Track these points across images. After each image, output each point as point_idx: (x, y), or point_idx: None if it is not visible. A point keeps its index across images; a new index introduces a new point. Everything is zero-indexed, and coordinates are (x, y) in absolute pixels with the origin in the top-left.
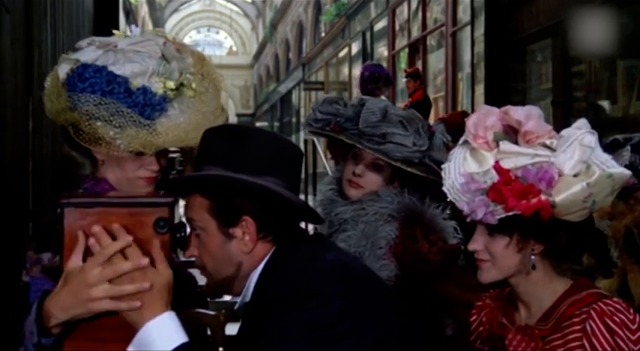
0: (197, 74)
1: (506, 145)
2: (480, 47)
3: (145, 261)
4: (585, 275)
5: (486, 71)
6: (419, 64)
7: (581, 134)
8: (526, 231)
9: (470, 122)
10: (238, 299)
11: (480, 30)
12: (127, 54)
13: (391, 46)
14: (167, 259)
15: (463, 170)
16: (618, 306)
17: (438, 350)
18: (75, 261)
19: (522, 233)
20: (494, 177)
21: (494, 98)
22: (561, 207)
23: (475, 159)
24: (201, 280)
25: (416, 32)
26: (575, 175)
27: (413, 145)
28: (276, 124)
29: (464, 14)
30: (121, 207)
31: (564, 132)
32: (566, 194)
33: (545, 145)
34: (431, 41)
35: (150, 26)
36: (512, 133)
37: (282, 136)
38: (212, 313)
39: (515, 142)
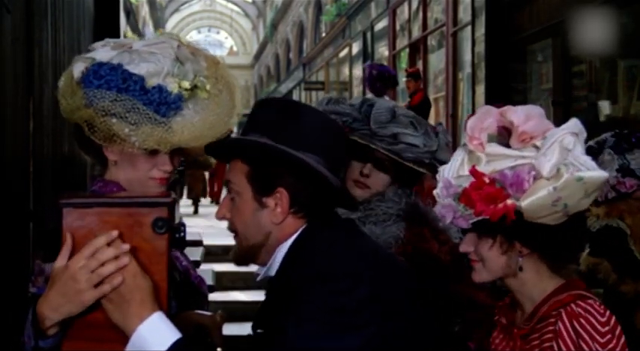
0: (211, 77)
1: (492, 148)
2: (481, 47)
3: (126, 247)
4: (605, 280)
5: (487, 71)
6: (419, 64)
7: (561, 135)
8: (508, 234)
9: (468, 124)
10: (261, 271)
11: (481, 30)
12: (142, 54)
13: (392, 46)
14: (167, 259)
15: (446, 174)
16: (590, 308)
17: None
18: (61, 262)
19: (505, 236)
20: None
21: (495, 98)
22: (528, 211)
23: (471, 162)
24: (209, 281)
25: (416, 32)
26: (550, 178)
27: (423, 146)
28: None
29: (464, 14)
30: (119, 207)
31: (549, 132)
32: (532, 198)
33: (535, 146)
34: (431, 41)
35: (150, 26)
36: (506, 134)
37: (331, 118)
38: (209, 313)
39: (508, 143)
